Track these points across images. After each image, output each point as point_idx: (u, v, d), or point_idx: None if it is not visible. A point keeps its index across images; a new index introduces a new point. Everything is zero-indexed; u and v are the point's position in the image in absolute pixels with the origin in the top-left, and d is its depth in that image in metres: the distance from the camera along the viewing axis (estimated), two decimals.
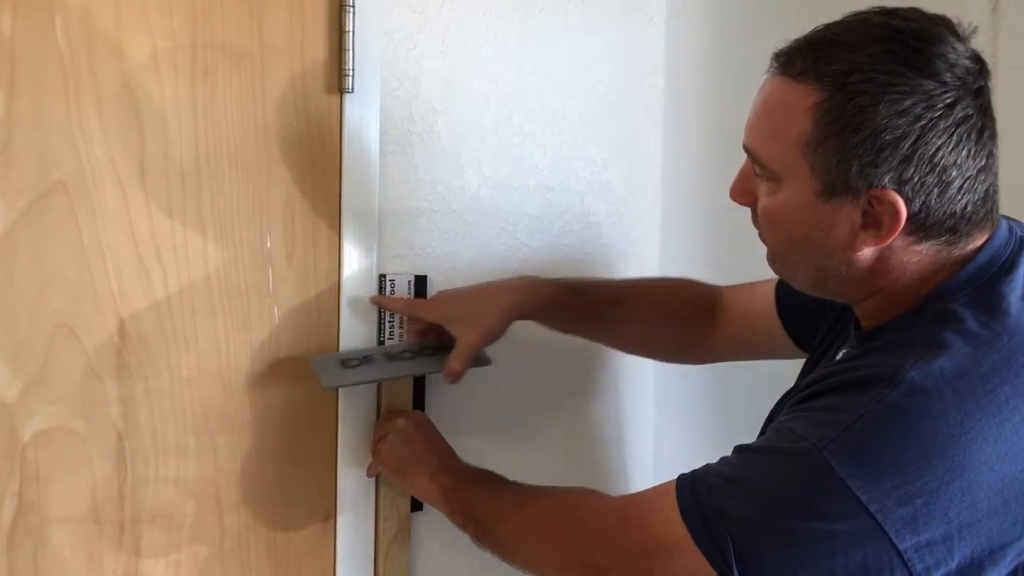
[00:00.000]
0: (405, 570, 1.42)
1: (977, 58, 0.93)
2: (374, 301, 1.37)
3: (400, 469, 1.30)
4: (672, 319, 1.39)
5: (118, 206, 1.22)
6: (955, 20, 0.94)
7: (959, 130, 0.90)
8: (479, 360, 1.34)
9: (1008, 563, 0.89)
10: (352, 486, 1.38)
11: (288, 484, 1.35)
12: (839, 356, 1.06)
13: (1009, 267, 0.96)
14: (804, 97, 0.93)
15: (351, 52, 1.31)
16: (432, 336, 1.38)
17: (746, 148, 1.02)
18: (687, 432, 1.63)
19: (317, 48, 1.31)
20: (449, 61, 1.41)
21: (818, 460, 0.87)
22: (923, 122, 0.89)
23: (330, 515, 1.37)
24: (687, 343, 1.40)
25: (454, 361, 1.29)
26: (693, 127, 1.56)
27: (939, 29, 0.92)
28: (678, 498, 0.95)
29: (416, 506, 1.42)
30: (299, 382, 1.34)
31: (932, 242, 0.95)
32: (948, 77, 0.90)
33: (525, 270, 1.48)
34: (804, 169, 0.95)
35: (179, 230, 1.26)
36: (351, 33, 1.30)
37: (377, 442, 1.34)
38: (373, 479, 1.39)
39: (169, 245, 1.25)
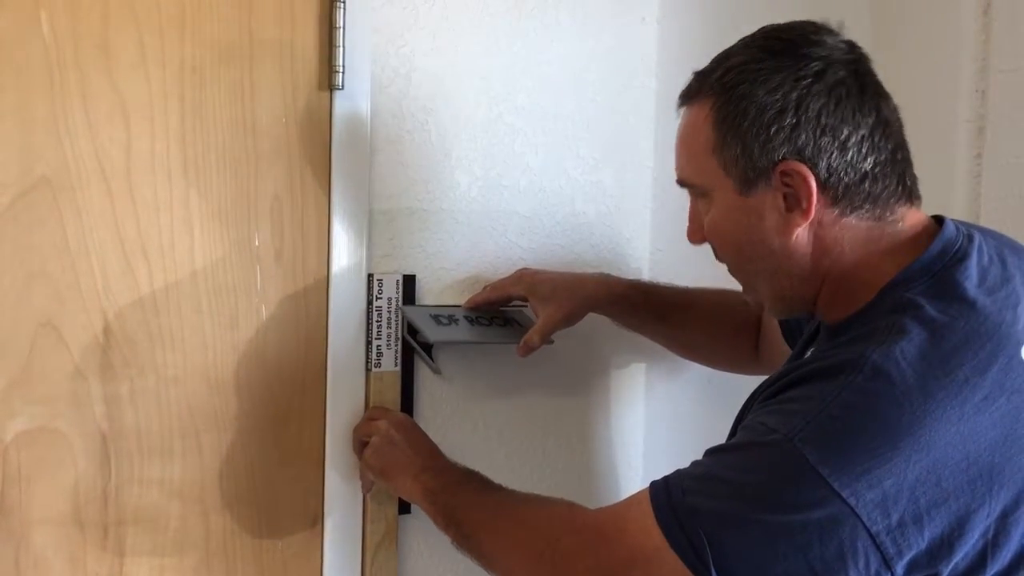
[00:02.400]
0: (393, 574, 1.40)
1: (850, 43, 1.02)
2: (467, 305, 1.42)
3: (384, 471, 1.29)
4: (729, 328, 1.45)
5: (103, 203, 1.20)
6: (830, 21, 1.03)
7: (835, 92, 0.98)
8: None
9: (976, 541, 0.90)
10: (339, 488, 1.36)
11: (275, 486, 1.33)
12: (808, 355, 1.08)
13: (962, 257, 0.98)
14: (701, 111, 1.04)
15: (342, 48, 1.29)
16: (495, 313, 1.45)
17: (679, 183, 1.10)
18: (677, 435, 1.62)
19: (307, 44, 1.30)
20: (440, 59, 1.39)
21: (790, 450, 0.88)
22: (797, 91, 0.97)
23: (317, 518, 1.36)
24: (739, 353, 1.46)
25: (534, 334, 1.37)
26: None
27: (805, 24, 1.02)
28: (652, 504, 0.95)
29: (404, 509, 1.41)
30: (287, 382, 1.32)
31: (858, 213, 0.99)
32: (814, 52, 0.99)
33: (515, 270, 1.46)
34: (720, 172, 1.02)
35: (166, 228, 1.24)
36: (342, 29, 1.29)
37: (360, 446, 1.33)
38: (359, 481, 1.37)
39: (155, 243, 1.23)
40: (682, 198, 1.55)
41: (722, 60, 1.04)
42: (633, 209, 1.55)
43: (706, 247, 1.11)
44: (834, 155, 0.97)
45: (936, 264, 0.98)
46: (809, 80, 0.97)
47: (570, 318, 1.39)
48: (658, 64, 1.55)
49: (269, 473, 1.33)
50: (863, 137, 0.98)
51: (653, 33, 1.54)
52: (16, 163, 1.16)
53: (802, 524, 0.87)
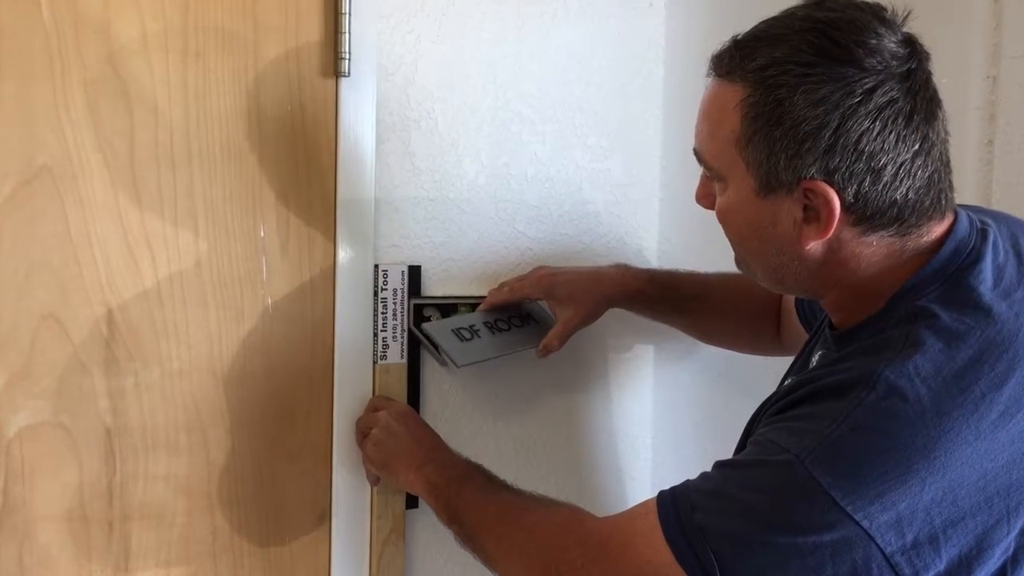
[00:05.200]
0: (400, 568, 1.39)
1: (908, 42, 0.92)
2: (485, 306, 1.40)
3: (386, 464, 1.27)
4: (749, 315, 1.43)
5: (106, 193, 1.18)
6: (887, 5, 0.93)
7: (883, 114, 0.89)
8: None
9: (996, 560, 0.88)
10: (347, 483, 1.35)
11: (282, 481, 1.31)
12: (815, 359, 1.05)
13: (976, 258, 0.95)
14: (733, 95, 0.95)
15: (347, 35, 1.27)
16: (512, 309, 1.43)
17: (694, 152, 1.03)
18: (687, 424, 1.61)
19: (312, 30, 1.27)
20: (447, 46, 1.37)
21: (800, 471, 0.86)
22: (841, 110, 0.89)
23: (325, 513, 1.34)
24: (761, 338, 1.44)
25: (554, 338, 1.38)
26: (692, 116, 1.52)
27: (862, 16, 0.91)
28: (660, 518, 0.93)
29: (411, 504, 1.39)
30: (293, 375, 1.31)
31: (881, 233, 0.94)
32: (868, 63, 0.89)
33: (523, 260, 1.45)
34: (741, 167, 0.95)
35: (169, 218, 1.22)
36: (347, 15, 1.27)
37: (362, 438, 1.31)
38: (366, 476, 1.35)
39: (159, 234, 1.21)
40: (687, 190, 1.54)
41: (766, 43, 0.93)
42: (641, 197, 1.53)
43: (716, 229, 1.08)
44: (866, 181, 0.90)
45: (949, 267, 0.94)
46: (857, 100, 0.88)
47: (588, 319, 1.40)
48: (666, 50, 1.53)
49: (276, 467, 1.31)
50: (901, 165, 0.90)
51: (660, 19, 1.52)
52: (17, 152, 1.14)
53: (814, 546, 0.85)
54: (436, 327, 1.36)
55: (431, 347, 1.38)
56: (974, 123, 1.55)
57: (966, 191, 1.54)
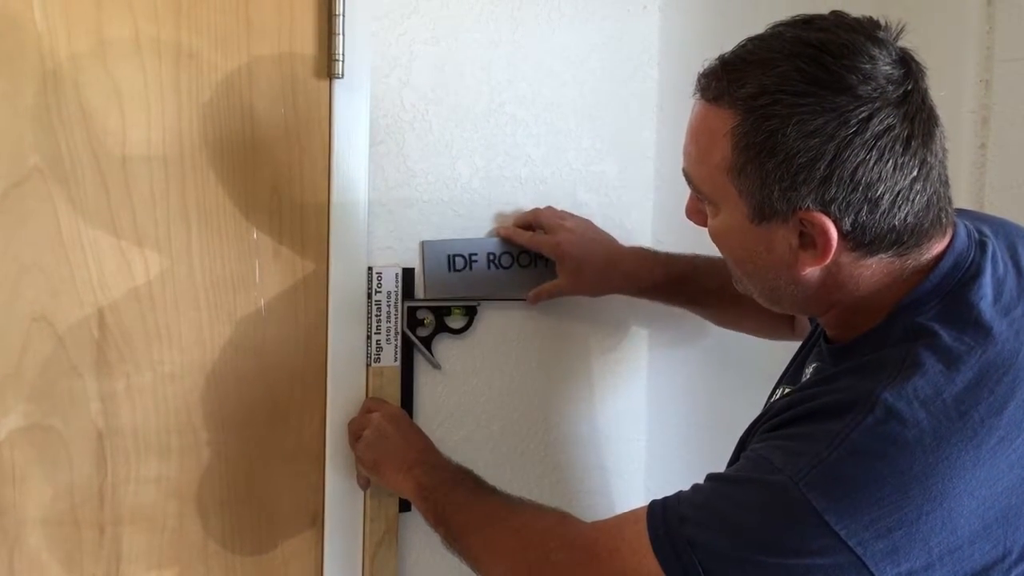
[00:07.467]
0: (393, 572, 1.38)
1: (902, 61, 0.90)
2: (502, 235, 1.42)
3: (376, 465, 1.27)
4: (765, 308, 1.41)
5: (98, 194, 1.18)
6: (881, 21, 0.91)
7: (879, 143, 0.87)
8: None
9: None
10: (340, 486, 1.34)
11: (274, 484, 1.31)
12: (809, 371, 1.04)
13: (975, 272, 0.93)
14: (722, 122, 0.92)
15: (341, 36, 1.26)
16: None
17: (684, 172, 1.01)
18: (681, 428, 1.60)
19: (306, 32, 1.27)
20: (441, 47, 1.37)
21: (795, 494, 0.85)
22: (836, 141, 0.86)
23: (317, 516, 1.34)
24: (778, 328, 1.41)
25: (544, 292, 1.41)
26: (687, 118, 1.52)
27: (854, 38, 0.89)
28: (648, 528, 0.93)
29: (404, 507, 1.38)
30: (286, 378, 1.30)
31: (880, 255, 0.92)
32: (862, 90, 0.87)
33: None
34: (733, 194, 0.94)
35: (162, 220, 1.21)
36: (341, 17, 1.26)
37: (354, 439, 1.31)
38: (357, 479, 1.35)
39: (151, 236, 1.21)
40: (682, 193, 1.53)
41: (756, 68, 0.90)
42: (635, 200, 1.53)
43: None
44: (863, 211, 0.88)
45: (948, 283, 0.93)
46: (852, 130, 0.86)
47: (585, 294, 1.43)
48: (660, 53, 1.52)
49: (268, 470, 1.30)
50: (899, 193, 0.88)
51: (655, 21, 1.52)
52: (8, 153, 1.13)
53: (805, 569, 0.84)
54: (434, 248, 1.37)
55: (424, 349, 1.38)
56: (967, 126, 1.55)
57: (959, 194, 1.54)
